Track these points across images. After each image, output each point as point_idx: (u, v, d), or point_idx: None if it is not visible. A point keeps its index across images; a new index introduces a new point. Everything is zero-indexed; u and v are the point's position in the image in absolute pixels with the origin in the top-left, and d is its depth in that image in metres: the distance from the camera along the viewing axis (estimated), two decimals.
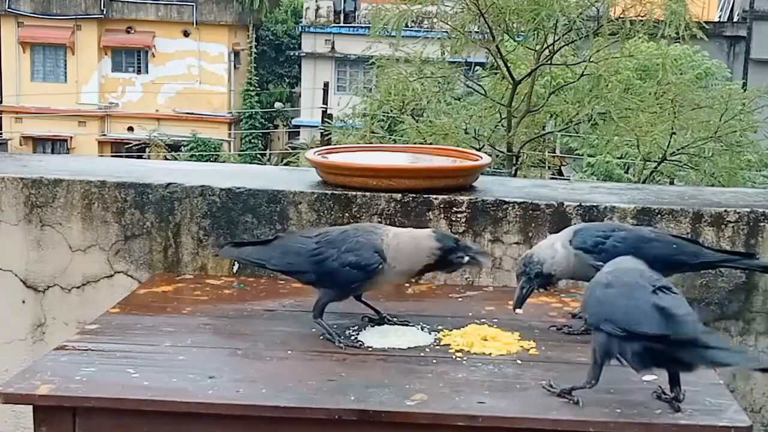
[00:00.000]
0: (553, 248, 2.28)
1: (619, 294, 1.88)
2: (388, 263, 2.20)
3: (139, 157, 24.40)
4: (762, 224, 2.72)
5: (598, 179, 13.63)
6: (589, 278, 2.16)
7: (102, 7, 29.44)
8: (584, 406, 1.86)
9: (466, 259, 2.21)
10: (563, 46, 10.93)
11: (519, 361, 2.08)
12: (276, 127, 31.19)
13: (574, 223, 2.72)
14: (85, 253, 2.84)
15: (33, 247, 2.84)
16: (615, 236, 2.28)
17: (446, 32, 11.58)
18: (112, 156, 26.90)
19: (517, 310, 2.29)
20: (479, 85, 12.41)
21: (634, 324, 1.82)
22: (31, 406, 1.92)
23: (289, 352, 2.13)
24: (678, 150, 11.20)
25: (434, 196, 2.76)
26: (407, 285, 2.74)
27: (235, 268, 2.81)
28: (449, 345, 2.18)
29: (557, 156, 15.67)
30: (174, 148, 26.10)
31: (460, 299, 2.57)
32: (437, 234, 2.23)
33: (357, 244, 2.22)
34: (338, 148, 3.22)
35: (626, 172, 13.41)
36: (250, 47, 30.53)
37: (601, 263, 2.16)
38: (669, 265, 2.28)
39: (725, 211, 2.73)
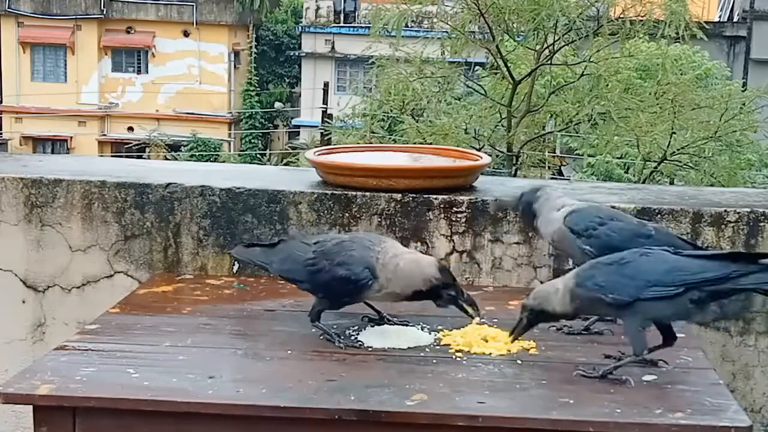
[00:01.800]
0: (553, 196, 2.35)
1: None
2: (380, 282, 2.17)
3: (139, 157, 24.39)
4: (762, 224, 2.72)
5: (598, 179, 13.64)
6: (575, 257, 2.24)
7: (102, 7, 29.43)
8: (581, 405, 1.86)
9: (457, 300, 2.17)
10: (563, 46, 10.93)
11: (519, 361, 2.08)
12: (276, 127, 31.19)
13: None
14: (85, 253, 2.84)
15: (33, 247, 2.84)
16: (610, 225, 2.28)
17: (446, 32, 11.58)
18: (112, 156, 26.91)
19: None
20: (479, 85, 12.41)
21: None
22: (31, 406, 1.92)
23: (289, 352, 2.13)
24: (678, 150, 11.19)
25: (434, 196, 2.76)
26: None
27: (235, 268, 2.81)
28: (449, 345, 2.18)
29: (557, 156, 15.67)
30: (174, 148, 26.07)
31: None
32: (440, 264, 2.18)
33: (350, 258, 2.19)
34: (338, 148, 3.22)
35: (626, 172, 13.42)
36: (250, 47, 30.53)
37: (589, 248, 2.21)
38: None
39: (725, 211, 2.73)
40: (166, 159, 23.01)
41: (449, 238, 2.76)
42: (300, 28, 30.72)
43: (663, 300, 1.95)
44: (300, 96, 30.79)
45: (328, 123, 15.67)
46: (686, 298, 1.96)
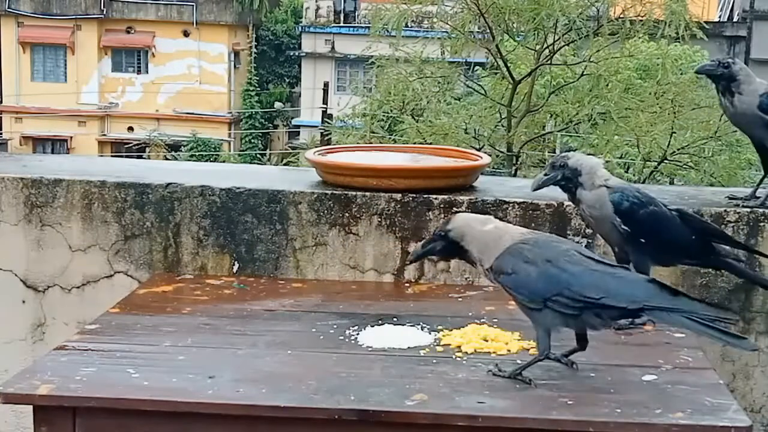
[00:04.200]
0: (590, 159, 2.34)
1: None
2: None
3: (139, 157, 24.39)
4: (762, 224, 2.72)
5: None
6: (604, 230, 2.33)
7: (102, 7, 29.43)
8: (581, 405, 1.86)
9: None
10: (563, 46, 10.92)
11: (519, 361, 2.07)
12: (276, 127, 31.18)
13: (574, 224, 2.72)
14: (85, 253, 2.84)
15: (33, 247, 2.84)
16: (648, 209, 2.32)
17: (446, 32, 11.57)
18: (112, 156, 26.91)
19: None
20: (479, 85, 12.40)
21: None
22: (31, 406, 1.92)
23: (289, 352, 2.13)
24: (678, 150, 11.18)
25: (434, 196, 2.76)
26: (407, 285, 2.75)
27: (235, 268, 2.81)
28: (449, 345, 2.18)
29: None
30: (174, 148, 26.09)
31: (460, 299, 2.57)
32: None
33: None
34: (338, 148, 3.23)
35: (626, 172, 13.41)
36: (250, 47, 30.53)
37: (627, 228, 2.28)
38: (680, 253, 2.40)
39: (725, 211, 2.73)
40: (166, 159, 23.02)
41: None
42: (300, 28, 30.71)
43: (563, 313, 1.95)
44: (300, 96, 30.78)
45: (328, 123, 15.64)
46: (587, 315, 1.95)
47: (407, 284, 2.75)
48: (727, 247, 2.47)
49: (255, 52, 30.66)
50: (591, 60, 10.87)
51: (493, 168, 10.79)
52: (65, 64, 29.81)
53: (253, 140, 29.58)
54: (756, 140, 2.70)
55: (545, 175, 2.33)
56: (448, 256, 2.15)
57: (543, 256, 1.98)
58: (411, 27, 14.02)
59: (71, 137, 28.96)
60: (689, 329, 1.95)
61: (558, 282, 1.94)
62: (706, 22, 12.32)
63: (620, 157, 13.13)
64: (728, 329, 1.94)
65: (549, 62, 10.92)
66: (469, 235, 2.03)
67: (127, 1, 29.76)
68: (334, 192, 2.79)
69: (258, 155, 27.62)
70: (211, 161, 24.23)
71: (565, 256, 1.98)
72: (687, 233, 2.36)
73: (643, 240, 2.29)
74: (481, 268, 2.04)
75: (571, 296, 1.93)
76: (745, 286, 2.73)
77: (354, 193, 2.78)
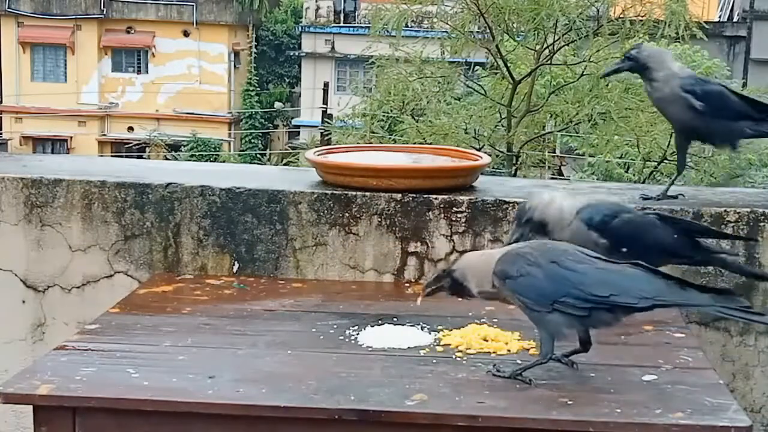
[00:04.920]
0: (552, 201, 2.32)
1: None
2: None
3: (139, 157, 24.40)
4: (762, 224, 2.71)
5: (598, 179, 13.63)
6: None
7: (102, 7, 29.43)
8: (581, 405, 1.86)
9: None
10: (563, 46, 10.92)
11: (519, 361, 2.08)
12: (276, 127, 31.19)
13: None
14: (85, 253, 2.84)
15: (33, 247, 2.84)
16: (621, 218, 2.32)
17: (446, 32, 11.57)
18: (112, 156, 26.91)
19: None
20: (479, 85, 12.40)
21: None
22: (31, 406, 1.92)
23: (289, 352, 2.13)
24: None
25: (434, 196, 2.76)
26: (407, 285, 2.75)
27: (235, 268, 2.81)
28: (449, 345, 2.18)
29: (557, 156, 15.66)
30: (174, 148, 26.09)
31: (459, 299, 2.57)
32: None
33: None
34: (338, 148, 3.23)
35: (626, 172, 13.40)
36: (250, 47, 30.54)
37: (605, 241, 2.25)
38: (664, 254, 2.36)
39: (725, 211, 2.73)
40: (166, 159, 23.04)
41: (449, 238, 2.77)
42: (300, 28, 30.72)
43: (571, 314, 1.94)
44: (300, 96, 30.78)
45: (328, 123, 15.64)
46: (596, 313, 1.94)
47: (407, 284, 2.76)
48: (723, 244, 2.47)
49: (255, 52, 30.66)
50: (591, 60, 10.86)
51: (493, 168, 10.79)
52: (65, 64, 29.81)
53: (253, 140, 29.59)
54: (678, 123, 2.69)
55: (512, 233, 2.34)
56: (456, 294, 2.11)
57: (546, 257, 1.97)
58: (411, 27, 14.01)
59: (71, 137, 28.96)
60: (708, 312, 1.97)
61: (565, 282, 1.93)
62: (706, 22, 12.31)
63: (620, 157, 13.14)
64: (746, 310, 1.93)
65: (549, 62, 10.92)
66: (467, 268, 2.05)
67: (127, 1, 29.76)
68: (334, 192, 2.79)
69: (258, 155, 27.62)
70: (211, 161, 24.23)
71: (568, 255, 1.98)
72: (668, 234, 2.35)
73: (624, 249, 2.27)
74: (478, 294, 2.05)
75: (580, 296, 1.92)
76: (745, 286, 2.73)
77: (354, 193, 2.78)
